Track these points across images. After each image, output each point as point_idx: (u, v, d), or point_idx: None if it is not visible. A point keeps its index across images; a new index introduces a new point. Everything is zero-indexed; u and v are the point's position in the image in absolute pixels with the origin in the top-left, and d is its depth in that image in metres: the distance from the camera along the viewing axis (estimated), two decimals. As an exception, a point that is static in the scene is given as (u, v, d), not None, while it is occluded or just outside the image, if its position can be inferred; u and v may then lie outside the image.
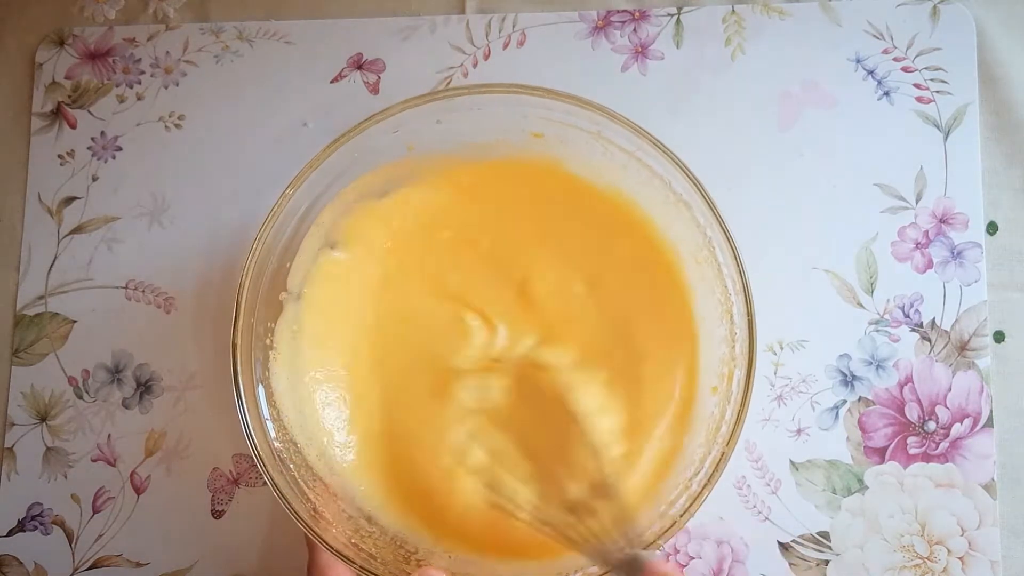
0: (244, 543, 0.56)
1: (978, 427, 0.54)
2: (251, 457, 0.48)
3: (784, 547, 0.54)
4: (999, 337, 0.55)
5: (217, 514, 0.57)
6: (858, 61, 0.58)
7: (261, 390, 0.50)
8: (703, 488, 0.46)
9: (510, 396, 0.52)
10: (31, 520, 0.57)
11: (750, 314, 0.47)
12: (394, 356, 0.53)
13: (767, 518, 0.54)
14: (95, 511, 0.57)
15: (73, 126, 0.61)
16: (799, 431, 0.55)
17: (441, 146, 0.53)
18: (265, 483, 0.47)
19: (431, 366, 0.53)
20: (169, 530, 0.57)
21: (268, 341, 0.51)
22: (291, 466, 0.49)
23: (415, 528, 0.51)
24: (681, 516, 0.46)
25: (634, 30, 0.60)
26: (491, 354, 0.52)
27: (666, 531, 0.46)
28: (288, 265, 0.52)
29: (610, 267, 0.53)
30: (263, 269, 0.50)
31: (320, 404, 0.53)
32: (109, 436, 0.58)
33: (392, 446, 0.52)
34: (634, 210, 0.53)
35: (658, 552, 0.51)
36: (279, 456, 0.49)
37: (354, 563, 0.46)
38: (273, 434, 0.49)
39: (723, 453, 0.47)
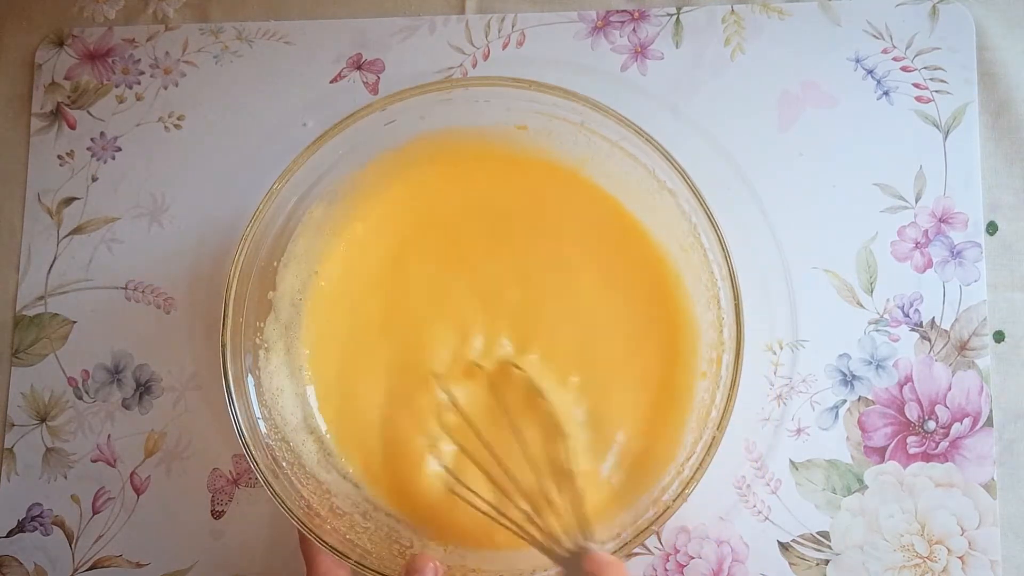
0: (244, 543, 0.56)
1: (978, 427, 0.54)
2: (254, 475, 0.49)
3: (784, 547, 0.54)
4: (999, 337, 0.55)
5: (217, 514, 0.57)
6: (857, 61, 0.58)
7: (252, 389, 0.50)
8: (695, 472, 0.47)
9: (486, 397, 0.52)
10: (31, 520, 0.57)
11: (736, 298, 0.48)
12: (377, 355, 0.54)
13: (767, 518, 0.54)
14: (95, 512, 0.57)
15: (73, 127, 0.61)
16: (799, 431, 0.55)
17: (427, 140, 0.53)
18: (267, 500, 0.47)
19: (411, 366, 0.53)
20: (169, 531, 0.57)
21: (258, 340, 0.51)
22: (284, 464, 0.49)
23: (399, 518, 0.52)
24: (674, 501, 0.46)
25: (633, 30, 0.60)
26: (468, 357, 0.53)
27: (659, 516, 0.46)
28: (276, 264, 0.52)
29: (595, 256, 0.54)
30: (251, 267, 0.51)
31: (312, 401, 0.53)
32: (109, 437, 0.58)
33: (370, 437, 0.53)
34: (618, 198, 0.54)
35: (639, 547, 0.51)
36: (272, 454, 0.49)
37: (349, 559, 0.46)
38: (265, 431, 0.49)
39: (714, 437, 0.47)
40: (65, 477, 0.58)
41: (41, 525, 0.57)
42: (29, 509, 0.57)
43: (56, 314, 0.59)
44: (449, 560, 0.49)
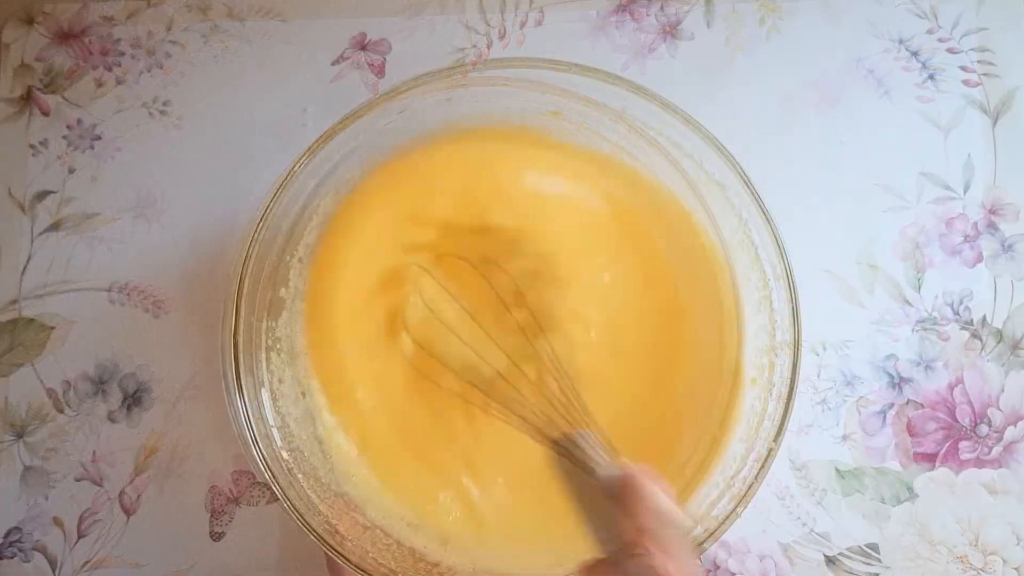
0: (244, 565, 0.54)
1: (1032, 430, 0.53)
2: (252, 472, 0.46)
3: (831, 560, 0.53)
4: (1052, 334, 0.54)
5: (216, 536, 0.54)
6: (901, 42, 0.57)
7: (252, 389, 0.48)
8: (749, 487, 0.44)
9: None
10: (9, 547, 0.54)
11: (794, 299, 0.46)
12: (381, 354, 0.52)
13: (812, 530, 0.53)
14: (80, 535, 0.54)
15: (46, 113, 0.58)
16: (844, 436, 0.53)
17: (427, 139, 0.52)
18: (267, 500, 0.46)
19: (416, 363, 0.52)
20: (163, 553, 0.54)
21: (259, 340, 0.50)
22: (285, 464, 0.47)
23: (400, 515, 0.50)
24: (727, 519, 0.44)
25: (634, 31, 0.58)
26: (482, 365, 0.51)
27: (711, 535, 0.43)
28: (277, 264, 0.50)
29: (639, 253, 0.52)
30: (261, 265, 0.49)
31: (313, 400, 0.51)
32: (94, 453, 0.55)
33: (372, 436, 0.52)
34: (662, 191, 0.51)
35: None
36: (274, 454, 0.47)
37: (349, 560, 0.44)
38: (265, 431, 0.47)
39: (770, 449, 0.45)
40: (46, 498, 0.55)
41: (21, 551, 0.54)
42: (7, 535, 0.54)
43: (32, 319, 0.56)
44: (450, 560, 0.48)
